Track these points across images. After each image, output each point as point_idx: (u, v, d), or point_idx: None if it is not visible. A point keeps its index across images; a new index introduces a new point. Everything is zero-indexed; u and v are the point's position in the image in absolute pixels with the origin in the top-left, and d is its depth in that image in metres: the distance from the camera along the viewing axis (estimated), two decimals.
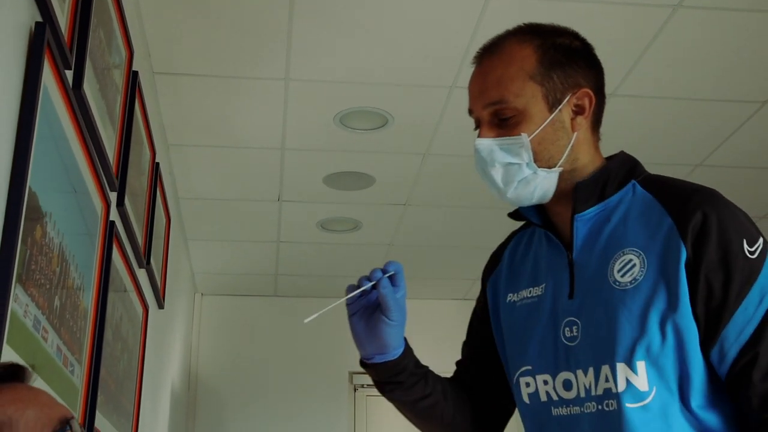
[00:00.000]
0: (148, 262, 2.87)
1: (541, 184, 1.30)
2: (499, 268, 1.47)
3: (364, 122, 3.26)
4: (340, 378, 5.06)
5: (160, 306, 3.34)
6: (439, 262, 4.78)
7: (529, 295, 1.38)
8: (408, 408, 1.46)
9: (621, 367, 1.20)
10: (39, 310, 1.53)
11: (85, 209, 1.93)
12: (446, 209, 4.09)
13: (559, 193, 1.32)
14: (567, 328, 1.29)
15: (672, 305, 1.19)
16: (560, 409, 1.29)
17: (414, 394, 1.40)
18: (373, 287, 1.28)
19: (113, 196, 2.23)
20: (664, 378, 1.19)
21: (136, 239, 2.56)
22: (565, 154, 1.30)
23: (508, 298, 1.41)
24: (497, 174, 1.31)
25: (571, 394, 1.27)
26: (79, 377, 1.89)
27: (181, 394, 4.50)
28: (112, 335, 2.27)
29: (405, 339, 1.38)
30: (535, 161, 1.28)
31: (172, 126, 3.28)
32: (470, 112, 1.35)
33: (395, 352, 1.35)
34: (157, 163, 3.04)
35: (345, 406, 5.03)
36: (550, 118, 1.28)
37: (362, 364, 1.39)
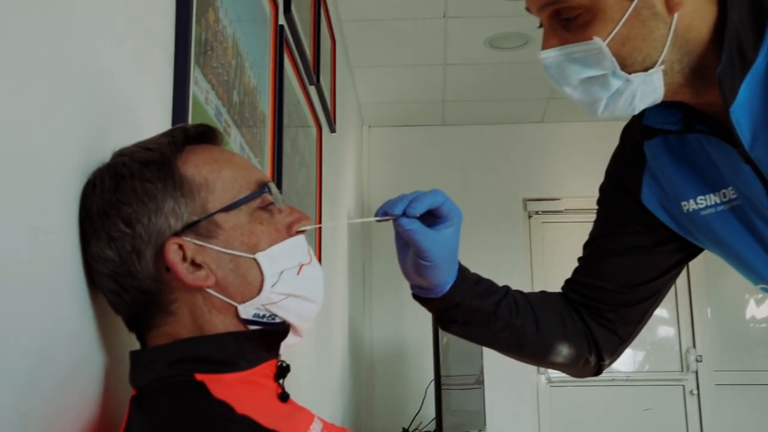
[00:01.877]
0: (318, 80, 2.79)
1: (642, 91, 1.03)
2: (648, 167, 1.22)
3: None
4: (513, 205, 4.95)
5: (332, 130, 3.29)
6: None
7: (717, 202, 1.15)
8: (477, 342, 1.30)
9: None
10: (219, 101, 1.46)
11: (255, 7, 1.83)
12: None
13: (677, 87, 1.05)
14: None
15: None
16: None
17: (476, 331, 1.24)
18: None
19: (280, 1, 2.13)
20: None
21: (304, 51, 2.47)
22: (666, 47, 1.00)
23: (685, 207, 1.18)
24: (576, 93, 1.06)
25: None
26: None
27: (357, 224, 4.53)
28: (290, 147, 2.22)
29: (462, 269, 1.19)
30: (623, 67, 1.01)
31: None
32: (528, 10, 1.08)
33: (439, 290, 1.16)
34: None
35: (520, 234, 4.94)
36: (632, 7, 0.98)
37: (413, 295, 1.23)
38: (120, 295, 0.90)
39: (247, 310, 0.91)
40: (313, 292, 0.96)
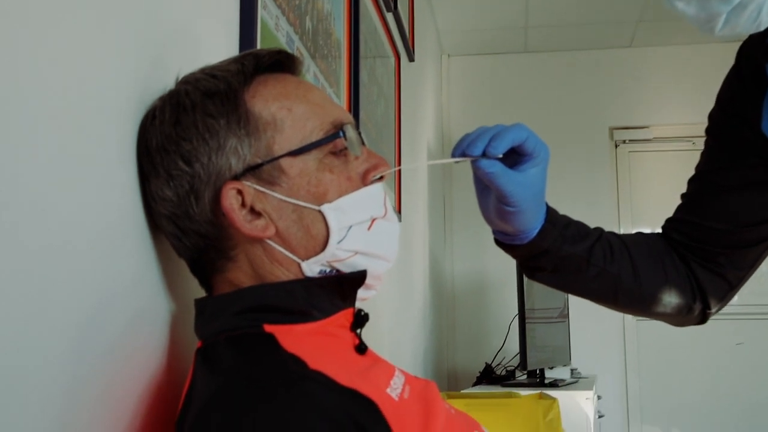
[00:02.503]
0: (396, 6, 2.67)
1: None
2: None
3: None
4: (599, 134, 4.76)
5: (411, 59, 3.17)
6: None
7: None
8: (567, 291, 1.17)
9: None
10: (291, 27, 1.37)
11: None
12: None
13: None
14: None
15: None
16: None
17: (566, 279, 1.12)
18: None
19: None
20: None
21: None
22: None
23: None
24: (690, 9, 0.94)
25: None
26: None
27: (437, 157, 4.43)
28: (367, 77, 2.12)
29: (550, 211, 1.06)
30: None
31: None
32: None
33: (525, 236, 1.05)
34: None
35: (606, 165, 4.75)
36: None
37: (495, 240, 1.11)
38: (180, 239, 0.83)
39: (312, 267, 0.83)
40: (385, 249, 0.87)
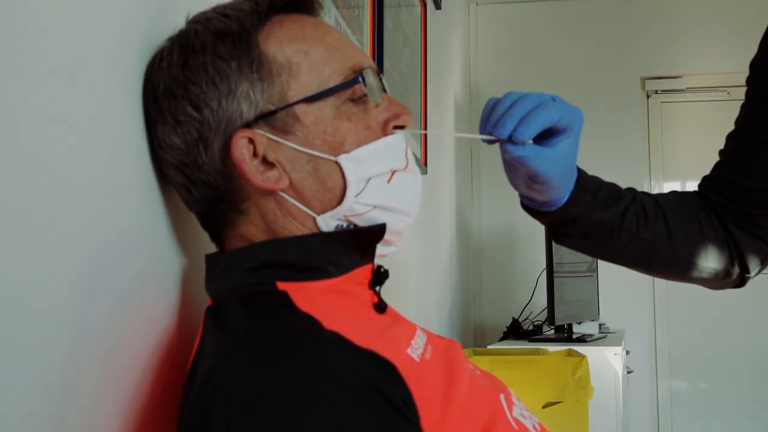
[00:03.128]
0: None
1: None
2: None
3: None
4: (631, 83, 4.64)
5: (437, 6, 3.09)
6: None
7: None
8: (597, 257, 1.10)
9: None
10: None
11: None
12: None
13: None
14: None
15: None
16: None
17: (597, 246, 1.05)
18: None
19: None
20: None
21: None
22: None
23: None
24: None
25: None
26: None
27: (464, 107, 4.36)
28: (392, 24, 2.05)
29: (581, 175, 0.99)
30: None
31: None
32: None
33: (554, 204, 0.98)
34: None
35: (636, 116, 4.64)
36: None
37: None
38: (189, 190, 0.79)
39: (328, 222, 0.79)
40: (406, 203, 0.82)
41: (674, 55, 4.62)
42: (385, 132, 0.81)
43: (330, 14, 1.43)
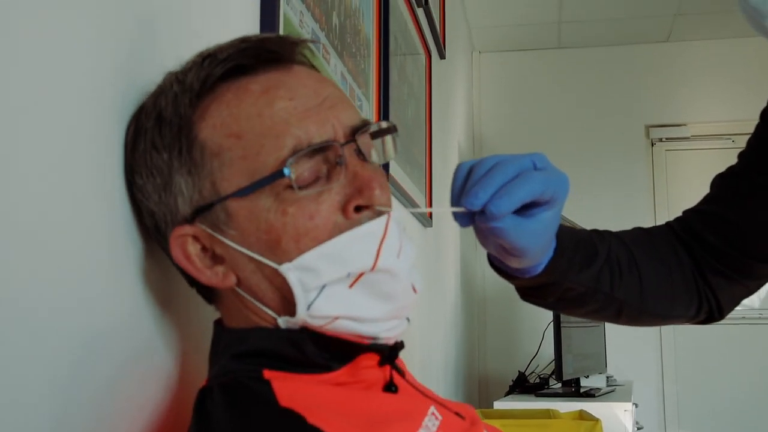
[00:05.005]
0: (426, 2, 2.56)
1: None
2: None
3: None
4: (635, 131, 4.61)
5: (442, 56, 3.06)
6: None
7: None
8: (564, 314, 1.05)
9: None
10: (316, 23, 1.27)
11: None
12: None
13: None
14: None
15: None
16: None
17: (568, 308, 0.99)
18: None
19: None
20: None
21: None
22: None
23: None
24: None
25: None
26: (368, 115, 1.65)
27: (468, 156, 4.32)
28: (397, 76, 2.01)
29: (559, 238, 0.89)
30: None
31: None
32: None
33: (528, 273, 0.88)
34: None
35: (642, 164, 4.60)
36: None
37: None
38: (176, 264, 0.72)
39: (291, 327, 0.68)
40: (381, 309, 0.68)
41: (678, 103, 4.59)
42: (346, 216, 0.66)
43: (336, 69, 1.38)
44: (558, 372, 3.11)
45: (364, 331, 0.68)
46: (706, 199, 1.09)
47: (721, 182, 1.08)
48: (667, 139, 4.67)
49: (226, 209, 0.66)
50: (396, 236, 0.68)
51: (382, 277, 0.67)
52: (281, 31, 1.07)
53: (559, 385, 3.32)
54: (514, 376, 3.61)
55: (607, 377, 3.57)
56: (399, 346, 0.73)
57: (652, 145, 4.71)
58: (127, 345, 0.71)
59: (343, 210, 0.66)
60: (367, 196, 0.66)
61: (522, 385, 3.47)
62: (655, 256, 1.03)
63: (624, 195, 4.49)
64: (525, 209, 0.75)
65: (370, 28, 1.68)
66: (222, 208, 0.66)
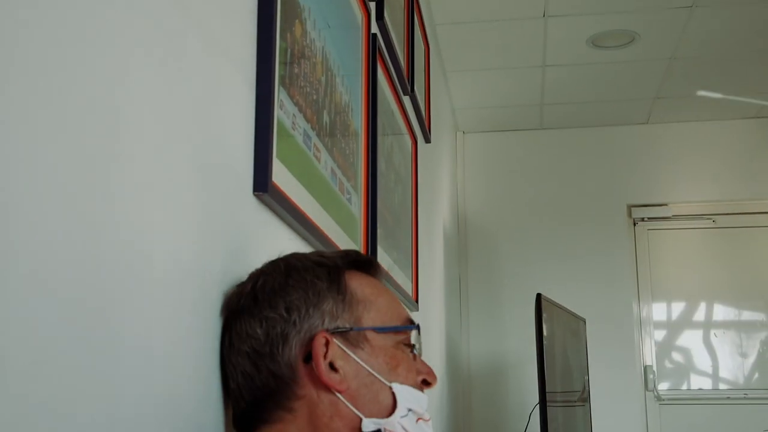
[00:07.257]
0: (413, 89, 2.63)
1: None
2: None
3: None
4: (617, 211, 4.68)
5: (427, 140, 3.12)
6: (729, 76, 4.17)
7: None
8: None
9: None
10: (308, 123, 1.31)
11: (346, 15, 1.67)
12: (743, 7, 3.47)
13: None
14: None
15: None
16: None
17: None
18: None
19: (372, 6, 1.97)
20: None
21: (398, 60, 2.30)
22: None
23: None
24: None
25: None
26: (357, 207, 1.69)
27: (452, 235, 4.36)
28: (385, 164, 2.06)
29: None
30: None
31: None
32: None
33: None
34: None
35: (624, 243, 4.66)
36: None
37: None
38: (251, 377, 0.89)
39: (369, 425, 0.90)
40: None
41: (659, 184, 4.68)
42: (418, 382, 0.96)
43: (326, 165, 1.42)
44: None
45: None
46: None
47: None
48: (649, 218, 4.75)
49: (364, 335, 0.92)
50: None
51: (425, 428, 0.95)
52: (275, 137, 1.11)
53: None
54: None
55: None
56: None
57: (635, 225, 4.77)
58: None
59: (420, 378, 0.97)
60: (432, 380, 0.98)
61: None
62: None
63: (608, 274, 4.53)
64: None
65: (359, 122, 1.73)
66: (360, 334, 0.92)
